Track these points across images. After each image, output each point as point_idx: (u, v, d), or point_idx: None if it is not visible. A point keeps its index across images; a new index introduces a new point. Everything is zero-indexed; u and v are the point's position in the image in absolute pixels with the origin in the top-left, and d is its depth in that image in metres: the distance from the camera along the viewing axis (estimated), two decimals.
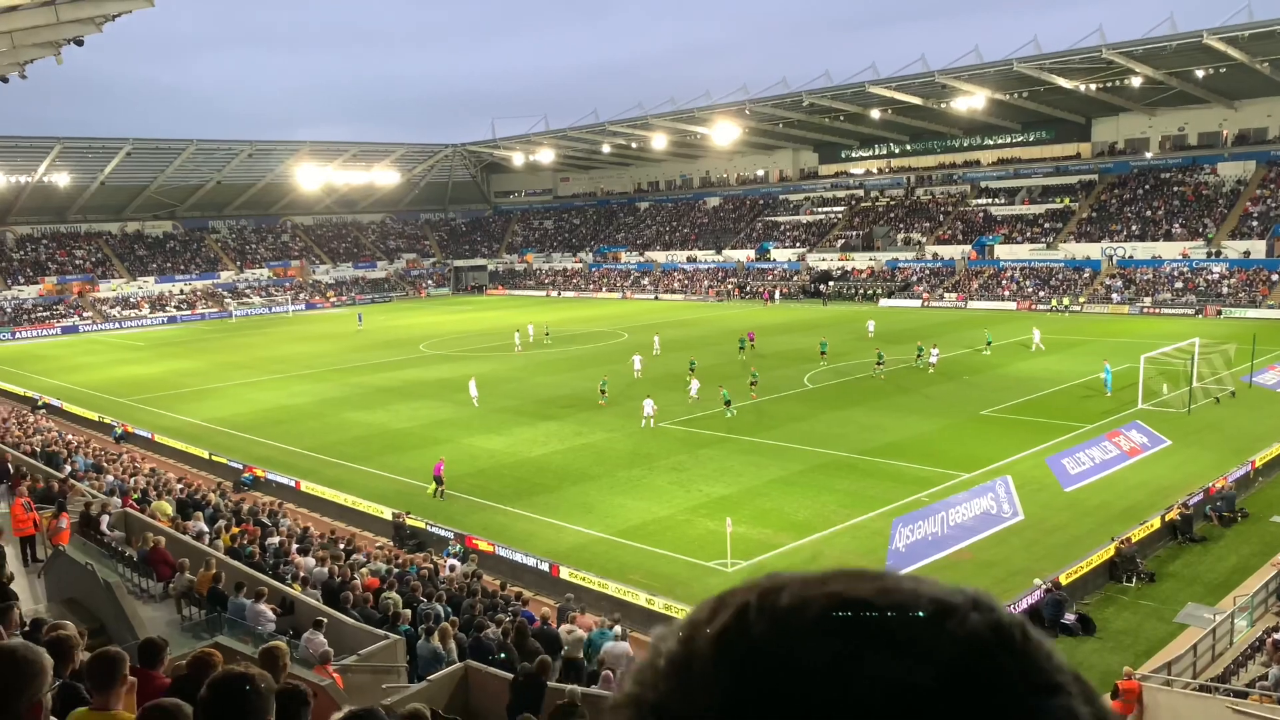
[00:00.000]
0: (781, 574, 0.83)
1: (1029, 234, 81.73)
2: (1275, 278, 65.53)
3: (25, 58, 31.34)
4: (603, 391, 40.73)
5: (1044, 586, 19.72)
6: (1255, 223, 70.50)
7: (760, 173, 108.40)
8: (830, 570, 0.83)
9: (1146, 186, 79.61)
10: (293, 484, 30.53)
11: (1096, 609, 20.22)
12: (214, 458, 34.24)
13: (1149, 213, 77.13)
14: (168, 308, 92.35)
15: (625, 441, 34.06)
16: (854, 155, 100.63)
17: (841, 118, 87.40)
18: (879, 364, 45.12)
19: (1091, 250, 76.04)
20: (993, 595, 0.81)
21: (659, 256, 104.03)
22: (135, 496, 24.46)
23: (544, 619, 17.37)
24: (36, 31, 27.43)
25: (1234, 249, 69.38)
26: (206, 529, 21.61)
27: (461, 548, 23.77)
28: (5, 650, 3.21)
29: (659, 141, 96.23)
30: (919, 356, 46.85)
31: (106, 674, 4.71)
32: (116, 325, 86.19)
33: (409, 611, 16.73)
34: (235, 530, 21.80)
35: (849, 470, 29.38)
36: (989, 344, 50.92)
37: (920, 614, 0.77)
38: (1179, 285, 68.52)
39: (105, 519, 20.48)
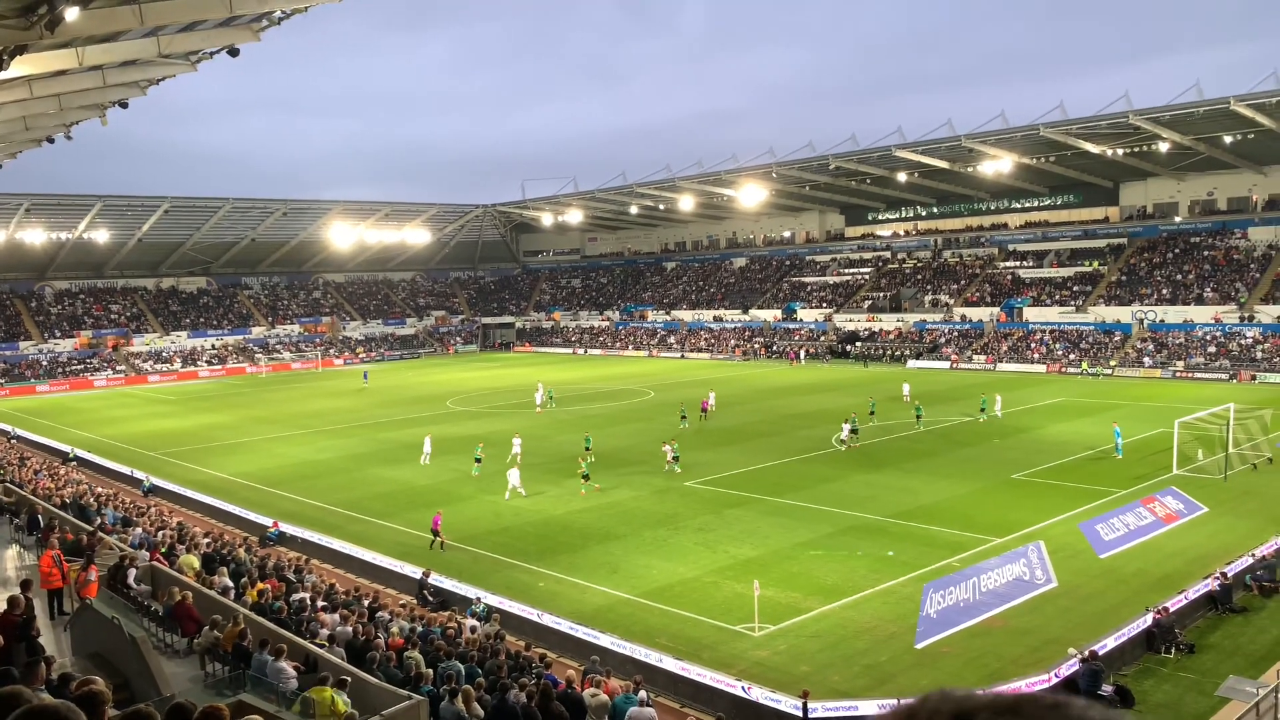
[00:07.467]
0: (959, 697, 0.85)
1: (1058, 297, 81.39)
2: None
3: (72, 119, 32.24)
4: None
5: (1079, 656, 19.20)
6: None
7: (787, 234, 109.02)
8: (1010, 697, 0.84)
9: (1176, 250, 79.23)
10: (318, 540, 30.50)
11: (1135, 680, 19.65)
12: (240, 512, 34.32)
13: (1180, 276, 76.65)
14: (199, 363, 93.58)
15: (650, 501, 33.85)
16: (881, 217, 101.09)
17: (868, 180, 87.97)
18: (918, 417, 46.95)
19: (1122, 314, 75.55)
20: None
21: (685, 315, 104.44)
22: (163, 550, 24.46)
23: (569, 682, 17.09)
24: (84, 94, 28.22)
25: (1267, 313, 68.65)
26: (232, 584, 21.56)
27: (484, 607, 23.53)
28: (49, 710, 3.20)
29: (686, 203, 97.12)
30: (982, 410, 48.81)
31: None
32: (149, 377, 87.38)
33: (430, 671, 16.53)
34: (261, 586, 21.70)
35: (879, 533, 28.97)
36: (983, 409, 49.43)
37: None
38: (1212, 349, 67.74)
39: (132, 572, 20.51)
